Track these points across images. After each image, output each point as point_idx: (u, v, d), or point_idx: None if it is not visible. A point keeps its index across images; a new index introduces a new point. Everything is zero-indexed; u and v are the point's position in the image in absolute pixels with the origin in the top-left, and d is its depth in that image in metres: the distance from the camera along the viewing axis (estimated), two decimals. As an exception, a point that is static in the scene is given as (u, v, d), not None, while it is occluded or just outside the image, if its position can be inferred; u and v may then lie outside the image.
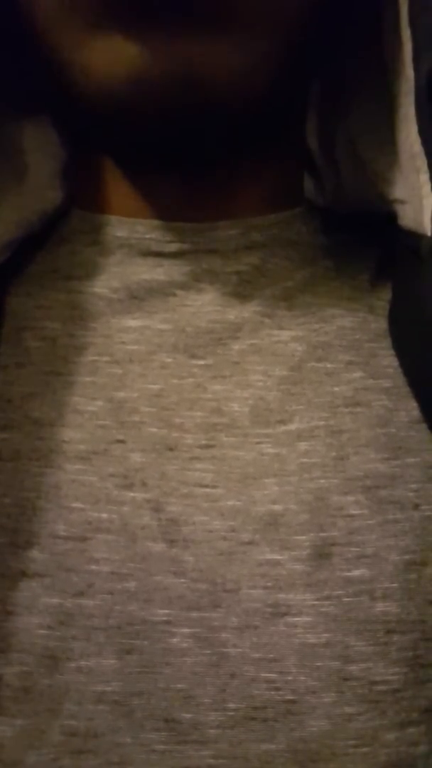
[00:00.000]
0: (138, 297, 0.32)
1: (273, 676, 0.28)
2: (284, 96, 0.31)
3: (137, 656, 0.28)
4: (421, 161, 0.29)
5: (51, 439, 0.30)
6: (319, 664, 0.28)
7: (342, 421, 0.30)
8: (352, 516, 0.29)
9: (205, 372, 0.31)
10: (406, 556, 0.29)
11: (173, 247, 0.32)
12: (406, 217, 0.31)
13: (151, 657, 0.28)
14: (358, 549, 0.29)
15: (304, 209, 0.34)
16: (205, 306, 0.32)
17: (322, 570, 0.28)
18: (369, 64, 0.32)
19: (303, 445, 0.30)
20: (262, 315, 0.32)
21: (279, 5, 0.28)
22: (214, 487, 0.29)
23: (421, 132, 0.29)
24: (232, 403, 0.31)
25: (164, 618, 0.28)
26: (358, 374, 0.31)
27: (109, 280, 0.33)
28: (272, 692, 0.28)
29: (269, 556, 0.29)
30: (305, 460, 0.30)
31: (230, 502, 0.29)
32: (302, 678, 0.28)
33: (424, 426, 0.30)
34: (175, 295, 0.32)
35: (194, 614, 0.28)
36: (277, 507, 0.29)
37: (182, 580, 0.28)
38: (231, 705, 0.28)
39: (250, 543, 0.29)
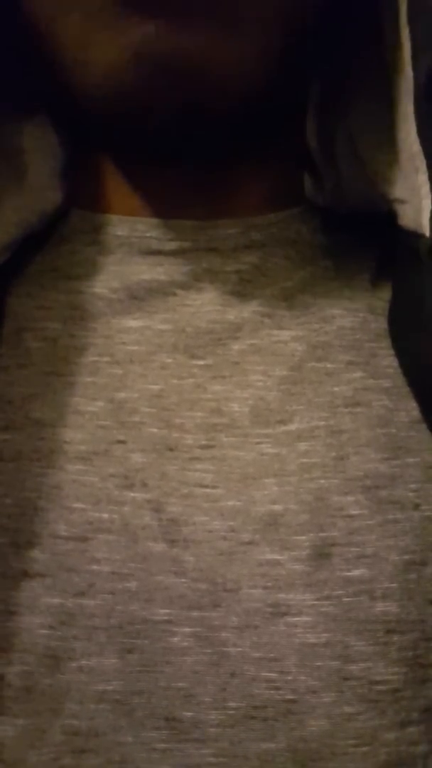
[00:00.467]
0: (138, 297, 0.32)
1: (273, 675, 0.28)
2: (284, 93, 0.31)
3: (138, 655, 0.28)
4: (420, 161, 0.29)
5: (52, 439, 0.30)
6: (319, 663, 0.28)
7: (342, 421, 0.30)
8: (351, 516, 0.29)
9: (205, 372, 0.31)
10: (406, 556, 0.29)
11: (173, 245, 0.32)
12: (406, 217, 0.31)
13: (152, 656, 0.28)
14: (358, 549, 0.29)
15: (304, 209, 0.34)
16: (205, 306, 0.32)
17: (322, 570, 0.28)
18: (369, 63, 0.32)
19: (303, 445, 0.30)
20: (262, 315, 0.32)
21: (286, 7, 0.28)
22: (214, 487, 0.30)
23: (420, 132, 0.29)
24: (232, 403, 0.31)
25: (165, 617, 0.28)
26: (358, 374, 0.31)
27: (109, 280, 0.33)
28: (272, 691, 0.28)
29: (269, 556, 0.29)
30: (305, 460, 0.30)
31: (230, 503, 0.29)
32: (302, 677, 0.28)
33: (424, 426, 0.30)
34: (175, 294, 0.32)
35: (195, 614, 0.28)
36: (277, 507, 0.29)
37: (183, 580, 0.29)
38: (231, 704, 0.28)
39: (250, 543, 0.29)
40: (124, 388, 0.31)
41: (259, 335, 0.32)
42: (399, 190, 0.31)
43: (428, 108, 0.29)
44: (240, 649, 0.28)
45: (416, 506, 0.29)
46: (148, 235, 0.33)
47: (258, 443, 0.30)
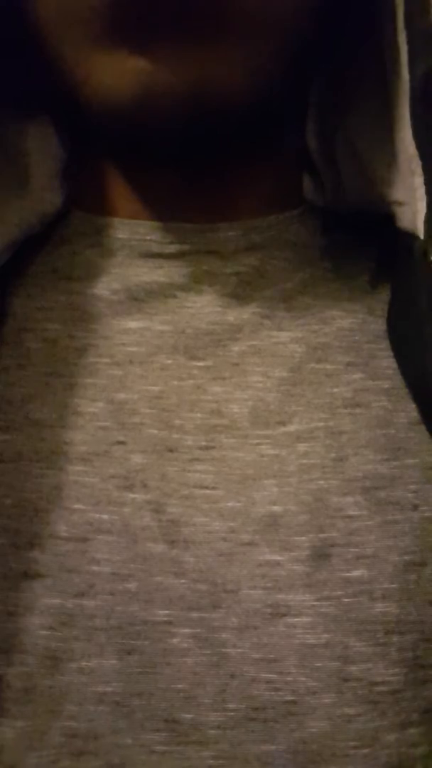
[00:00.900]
0: (138, 298, 0.32)
1: (273, 676, 0.28)
2: (284, 99, 0.31)
3: (138, 657, 0.28)
4: (416, 164, 0.30)
5: (52, 440, 0.30)
6: (318, 664, 0.28)
7: (341, 422, 0.30)
8: (351, 517, 0.29)
9: (204, 373, 0.31)
10: (406, 557, 0.29)
11: (173, 248, 0.33)
12: (405, 219, 0.31)
13: (152, 657, 0.28)
14: (357, 550, 0.29)
15: (304, 211, 0.34)
16: (205, 307, 0.32)
17: (322, 571, 0.28)
18: (368, 66, 0.32)
19: (302, 447, 0.30)
20: (262, 316, 0.32)
21: (278, 15, 0.28)
22: (214, 488, 0.30)
23: (416, 135, 0.30)
24: (231, 404, 0.31)
25: (165, 618, 0.28)
26: (357, 375, 0.31)
27: (110, 281, 0.33)
28: (272, 693, 0.28)
29: (269, 557, 0.29)
30: (305, 461, 0.30)
31: (230, 503, 0.29)
32: (302, 679, 0.28)
33: (423, 427, 0.30)
34: (175, 296, 0.32)
35: (194, 615, 0.28)
36: (276, 508, 0.29)
37: (182, 581, 0.28)
38: (231, 705, 0.28)
39: (250, 544, 0.29)
40: (124, 389, 0.31)
41: (259, 336, 0.32)
42: (397, 192, 0.31)
43: (424, 111, 0.29)
44: (240, 650, 0.28)
45: (415, 507, 0.29)
46: (148, 238, 0.33)
47: (258, 444, 0.30)
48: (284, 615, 0.28)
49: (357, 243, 0.34)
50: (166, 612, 0.28)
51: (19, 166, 0.33)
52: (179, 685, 0.28)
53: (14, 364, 0.32)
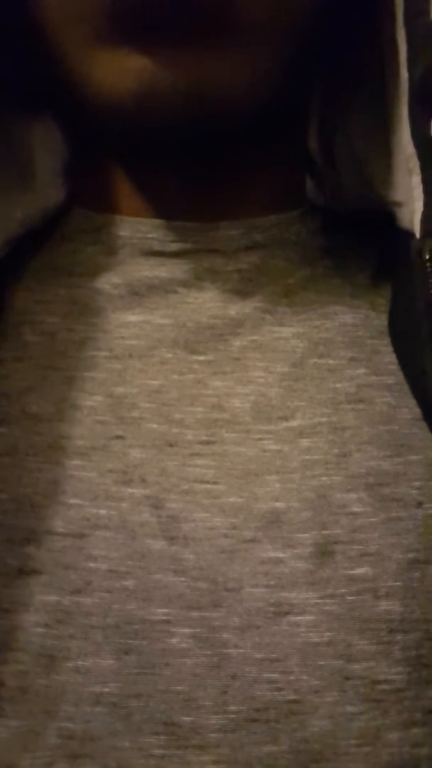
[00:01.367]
0: (139, 293, 0.32)
1: (275, 676, 0.27)
2: (287, 101, 0.31)
3: (136, 657, 0.27)
4: (414, 163, 0.30)
5: (49, 434, 0.30)
6: (321, 663, 0.27)
7: (344, 417, 0.30)
8: (354, 514, 0.29)
9: (205, 368, 0.31)
10: (410, 555, 0.28)
11: (175, 246, 0.32)
12: (404, 219, 0.31)
13: (150, 657, 0.27)
14: (361, 547, 0.28)
15: (305, 210, 0.34)
16: (206, 302, 0.32)
17: (325, 568, 0.28)
18: (367, 68, 0.33)
19: (305, 442, 0.30)
20: (263, 311, 0.32)
21: (281, 17, 0.28)
22: (215, 483, 0.29)
23: (414, 135, 0.30)
24: (233, 399, 0.30)
25: (163, 617, 0.28)
26: (360, 371, 0.31)
27: (111, 276, 0.32)
28: (274, 693, 0.27)
29: (271, 554, 0.28)
30: (307, 457, 0.29)
31: (231, 499, 0.29)
32: (305, 678, 0.27)
33: (426, 423, 0.30)
34: (176, 292, 0.32)
35: (194, 614, 0.28)
36: (279, 504, 0.29)
37: (182, 579, 0.28)
38: (232, 707, 0.27)
39: (252, 541, 0.28)
40: (123, 383, 0.31)
41: (261, 332, 0.32)
42: (395, 193, 0.31)
43: (423, 110, 0.30)
44: (241, 651, 0.27)
45: (419, 504, 0.29)
46: (150, 236, 0.33)
47: (259, 439, 0.30)
48: (287, 613, 0.28)
49: (358, 242, 0.34)
50: (165, 611, 0.28)
51: (23, 161, 0.33)
52: (179, 687, 0.27)
53: (11, 357, 0.31)
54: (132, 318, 0.32)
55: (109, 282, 0.32)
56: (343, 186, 0.33)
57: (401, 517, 0.29)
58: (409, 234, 0.30)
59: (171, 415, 0.30)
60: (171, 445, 0.30)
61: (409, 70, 0.30)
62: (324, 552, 0.28)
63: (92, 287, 0.32)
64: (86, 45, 0.28)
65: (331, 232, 0.34)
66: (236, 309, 0.32)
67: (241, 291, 0.32)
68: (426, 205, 0.30)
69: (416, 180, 0.30)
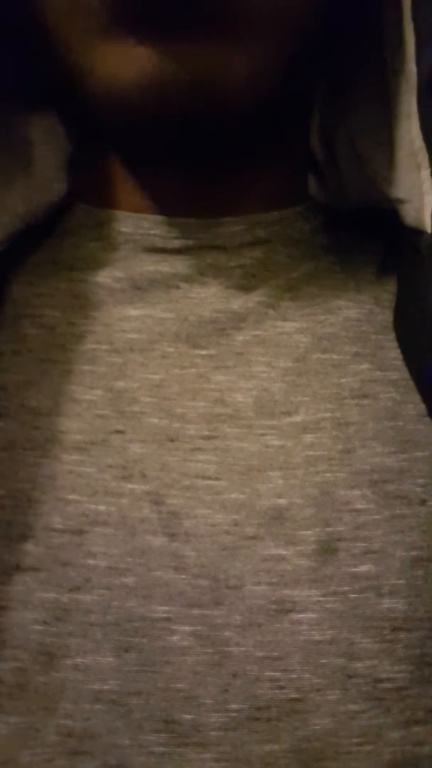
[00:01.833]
0: (140, 287, 0.32)
1: (277, 674, 0.27)
2: (289, 97, 0.31)
3: (136, 654, 0.27)
4: (423, 157, 0.29)
5: (47, 428, 0.29)
6: (323, 661, 0.27)
7: (349, 413, 0.30)
8: (358, 510, 0.28)
9: (207, 362, 0.30)
10: (413, 552, 0.28)
11: (178, 243, 0.32)
12: (408, 216, 0.31)
13: (150, 655, 0.27)
14: (364, 544, 0.28)
15: (308, 207, 0.33)
16: (209, 297, 0.32)
17: (328, 565, 0.28)
18: (369, 64, 0.32)
19: (309, 438, 0.29)
20: (266, 306, 0.32)
21: (283, 10, 0.28)
22: (216, 479, 0.29)
23: (423, 128, 0.29)
24: (235, 393, 0.30)
25: (164, 615, 0.27)
26: (365, 366, 0.31)
27: (113, 271, 0.32)
28: (276, 691, 0.27)
29: (274, 551, 0.28)
30: (311, 452, 0.29)
31: (233, 495, 0.28)
32: (307, 676, 0.27)
33: (431, 420, 0.30)
34: (178, 287, 0.32)
35: (195, 611, 0.27)
36: (282, 501, 0.28)
37: (183, 576, 0.27)
38: (233, 706, 0.27)
39: (254, 537, 0.28)
40: (124, 377, 0.30)
41: (264, 326, 0.31)
42: (398, 190, 0.31)
43: (431, 104, 0.29)
44: (243, 649, 0.27)
45: (423, 501, 0.29)
46: (152, 232, 0.32)
47: (262, 435, 0.29)
48: (289, 611, 0.27)
49: (361, 239, 0.34)
50: (166, 608, 0.27)
51: (25, 156, 0.32)
52: (179, 685, 0.27)
53: (10, 350, 0.30)
54: (133, 312, 0.31)
55: (110, 276, 0.32)
56: (345, 184, 0.33)
57: (405, 515, 0.29)
58: (414, 230, 0.30)
59: (172, 409, 0.30)
60: (172, 440, 0.29)
61: (418, 64, 0.29)
62: (327, 549, 0.28)
63: (93, 281, 0.32)
64: (90, 37, 0.28)
65: (334, 228, 0.34)
66: (239, 303, 0.31)
67: (244, 286, 0.32)
68: None
69: (425, 174, 0.29)
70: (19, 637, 0.27)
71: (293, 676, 0.27)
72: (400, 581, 0.28)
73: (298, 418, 0.30)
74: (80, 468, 0.29)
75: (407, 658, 0.27)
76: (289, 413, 0.30)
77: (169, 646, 0.27)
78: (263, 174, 0.33)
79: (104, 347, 0.31)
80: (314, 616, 0.27)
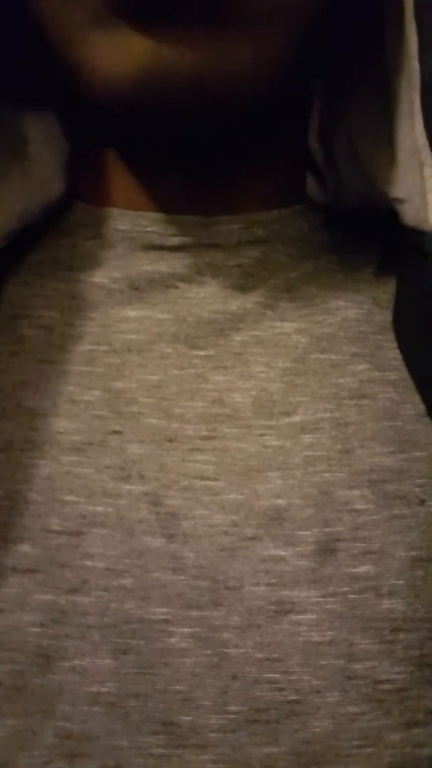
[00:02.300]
0: (139, 288, 0.31)
1: (276, 676, 0.27)
2: (289, 94, 0.30)
3: (134, 656, 0.27)
4: (426, 155, 0.29)
5: (44, 429, 0.29)
6: (323, 662, 0.27)
7: (347, 413, 0.30)
8: (357, 511, 0.28)
9: (206, 362, 0.30)
10: (413, 553, 0.28)
11: (175, 240, 0.32)
12: (408, 216, 0.30)
13: (149, 657, 0.27)
14: (363, 545, 0.28)
15: (306, 206, 0.33)
16: (207, 298, 0.31)
17: (327, 566, 0.28)
18: (369, 62, 0.32)
19: (307, 438, 0.29)
20: (265, 306, 0.31)
21: (287, 6, 0.28)
22: (215, 479, 0.28)
23: (427, 126, 0.29)
24: (234, 394, 0.30)
25: (162, 617, 0.27)
26: (363, 366, 0.31)
27: (110, 271, 0.32)
28: (275, 693, 0.27)
29: (273, 552, 0.28)
30: (310, 453, 0.29)
31: (232, 496, 0.28)
32: (306, 677, 0.27)
33: (430, 420, 0.30)
34: (176, 287, 0.31)
35: (194, 613, 0.27)
36: (280, 501, 0.28)
37: (181, 577, 0.27)
38: (232, 707, 0.26)
39: (253, 538, 0.28)
40: (122, 378, 0.30)
41: (262, 327, 0.31)
42: (398, 190, 0.31)
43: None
44: (242, 650, 0.27)
45: (422, 502, 0.29)
46: (150, 230, 0.32)
47: (261, 435, 0.29)
48: (288, 612, 0.27)
49: (359, 239, 0.33)
50: (164, 610, 0.27)
51: (23, 155, 0.32)
52: (177, 687, 0.27)
53: (7, 351, 0.30)
54: (131, 313, 0.31)
55: (108, 276, 0.32)
56: (343, 184, 0.33)
57: (404, 515, 0.28)
58: (414, 230, 0.30)
59: (170, 410, 0.29)
60: (170, 441, 0.29)
61: (421, 61, 0.29)
62: (326, 550, 0.28)
63: (91, 282, 0.32)
64: (86, 30, 0.27)
65: (333, 228, 0.33)
66: (237, 304, 0.31)
67: (242, 286, 0.32)
68: None
69: (428, 172, 0.29)
70: (16, 639, 0.27)
71: (293, 677, 0.27)
72: (400, 582, 0.28)
73: (296, 419, 0.30)
74: (78, 469, 0.29)
75: (407, 659, 0.27)
76: (287, 413, 0.30)
77: (168, 647, 0.27)
78: (262, 172, 0.33)
79: (102, 348, 0.30)
80: (313, 617, 0.27)
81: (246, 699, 0.26)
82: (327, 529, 0.28)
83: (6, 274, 0.32)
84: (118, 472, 0.29)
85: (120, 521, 0.28)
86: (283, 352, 0.31)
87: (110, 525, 0.28)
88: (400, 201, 0.30)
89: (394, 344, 0.31)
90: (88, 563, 0.27)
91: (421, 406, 0.30)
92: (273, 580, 0.27)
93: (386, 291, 0.32)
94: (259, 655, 0.27)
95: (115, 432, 0.29)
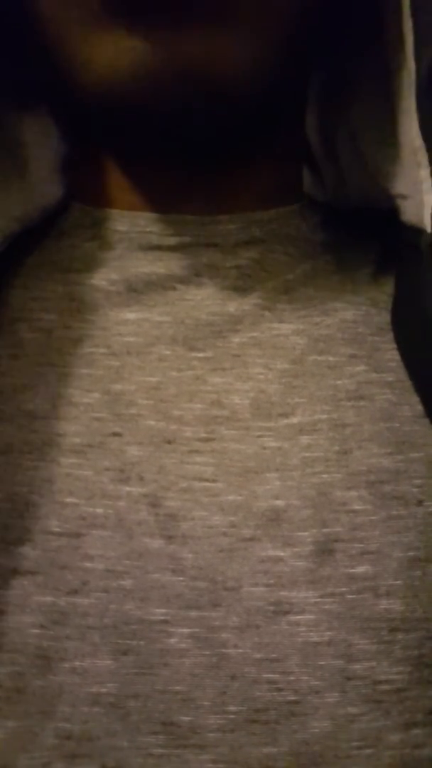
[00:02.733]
0: (137, 290, 0.32)
1: (275, 676, 0.27)
2: (285, 89, 0.31)
3: (134, 657, 0.27)
4: (422, 156, 0.29)
5: (44, 431, 0.29)
6: (321, 663, 0.27)
7: (345, 414, 0.30)
8: (355, 511, 0.28)
9: (204, 364, 0.30)
10: (410, 553, 0.28)
11: (173, 240, 0.32)
12: (408, 212, 0.30)
13: (148, 658, 0.27)
14: (361, 545, 0.28)
15: (304, 205, 0.33)
16: (205, 299, 0.32)
17: (325, 566, 0.28)
18: (371, 58, 0.32)
19: (305, 439, 0.29)
20: (263, 308, 0.32)
21: (283, 2, 0.28)
22: (213, 481, 0.29)
23: (422, 127, 0.29)
24: (232, 395, 0.30)
25: (162, 617, 0.27)
26: (361, 368, 0.31)
27: (108, 272, 0.32)
28: (274, 693, 0.27)
29: (271, 553, 0.28)
30: (307, 454, 0.29)
31: (231, 497, 0.28)
32: (305, 678, 0.27)
33: (428, 421, 0.30)
34: (174, 289, 0.32)
35: (193, 613, 0.27)
36: (279, 502, 0.28)
37: (181, 578, 0.27)
38: (231, 708, 0.27)
39: (252, 539, 0.28)
40: (121, 380, 0.30)
41: (260, 328, 0.31)
42: (400, 186, 0.31)
43: (430, 102, 0.29)
44: (240, 651, 0.27)
45: (420, 502, 0.29)
46: (148, 230, 0.32)
47: (259, 436, 0.29)
48: (287, 612, 0.27)
49: (358, 238, 0.33)
50: (163, 611, 0.27)
51: (19, 158, 0.33)
52: (177, 687, 0.27)
53: (7, 354, 0.31)
54: (130, 315, 0.31)
55: (106, 278, 0.32)
56: (345, 181, 0.33)
57: (402, 515, 0.28)
58: (414, 228, 0.30)
59: (169, 412, 0.30)
60: (169, 443, 0.29)
61: (416, 61, 0.29)
62: (324, 550, 0.28)
63: (89, 284, 0.32)
64: (83, 29, 0.28)
65: (332, 227, 0.34)
66: (235, 306, 0.32)
67: (240, 287, 0.32)
68: None
69: (425, 173, 0.29)
70: (16, 640, 0.27)
71: (291, 678, 0.27)
72: (398, 582, 0.28)
73: (294, 420, 0.30)
74: (77, 471, 0.29)
75: (406, 659, 0.27)
76: (285, 415, 0.30)
77: (167, 648, 0.27)
78: (259, 171, 0.33)
79: (101, 351, 0.31)
80: (312, 617, 0.27)
81: (245, 699, 0.27)
82: (325, 530, 0.28)
83: (5, 277, 0.32)
84: (118, 474, 0.29)
85: (119, 523, 0.28)
86: (281, 353, 0.31)
87: (110, 526, 0.28)
88: (403, 197, 0.31)
89: (392, 345, 0.31)
90: (88, 565, 0.28)
91: (419, 407, 0.30)
92: (271, 581, 0.28)
93: (384, 292, 0.33)
94: (258, 656, 0.27)
95: (115, 434, 0.29)
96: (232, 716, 0.27)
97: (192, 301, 0.32)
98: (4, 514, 0.28)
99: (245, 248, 0.32)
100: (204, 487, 0.29)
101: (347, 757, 0.26)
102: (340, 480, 0.29)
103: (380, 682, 0.27)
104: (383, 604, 0.27)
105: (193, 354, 0.31)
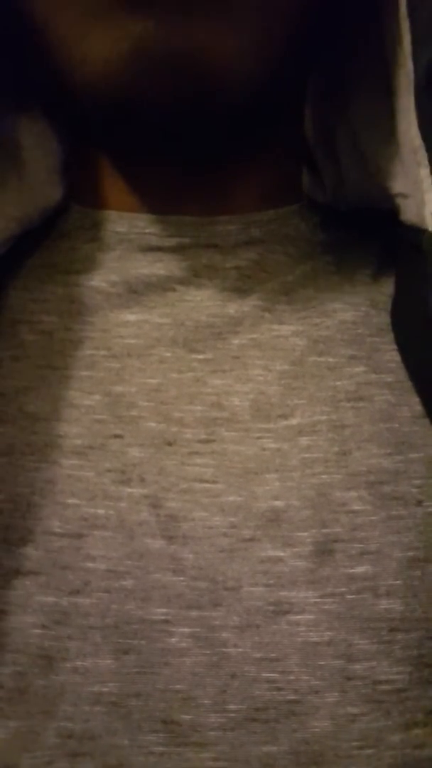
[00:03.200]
0: (137, 291, 0.32)
1: (275, 676, 0.27)
2: (283, 85, 0.30)
3: (135, 656, 0.27)
4: (422, 155, 0.29)
5: (46, 433, 0.29)
6: (321, 663, 0.27)
7: (344, 415, 0.30)
8: (355, 512, 0.28)
9: (204, 366, 0.31)
10: (410, 553, 0.28)
11: (173, 241, 0.32)
12: (408, 212, 0.30)
13: (149, 657, 0.27)
14: (361, 545, 0.28)
15: (303, 205, 0.33)
16: (205, 301, 0.32)
17: (325, 567, 0.28)
18: (370, 57, 0.32)
19: (305, 440, 0.30)
20: (262, 309, 0.32)
21: None
22: (214, 482, 0.29)
23: (421, 126, 0.29)
24: (232, 397, 0.30)
25: (162, 617, 0.27)
26: (360, 369, 0.31)
27: (108, 274, 0.32)
28: (274, 692, 0.27)
29: (271, 553, 0.28)
30: (307, 455, 0.29)
31: (231, 498, 0.29)
32: (305, 677, 0.27)
33: (427, 421, 0.30)
34: (174, 290, 0.32)
35: (194, 613, 0.27)
36: (278, 503, 0.29)
37: (181, 578, 0.28)
38: (232, 706, 0.27)
39: (252, 540, 0.28)
40: (122, 382, 0.30)
41: (260, 330, 0.31)
42: (401, 185, 0.31)
43: (429, 101, 0.29)
44: (241, 650, 0.27)
45: (419, 502, 0.29)
46: (147, 231, 0.32)
47: (259, 438, 0.30)
48: (287, 612, 0.27)
49: (358, 238, 0.33)
50: (164, 610, 0.27)
51: (17, 160, 0.33)
52: (178, 686, 0.27)
53: (8, 356, 0.31)
54: (130, 317, 0.31)
55: (106, 280, 0.32)
56: (345, 181, 0.33)
57: (401, 516, 0.29)
58: (415, 227, 0.30)
59: (170, 413, 0.30)
60: (170, 444, 0.29)
61: (414, 60, 0.29)
62: (324, 551, 0.28)
63: (90, 285, 0.32)
64: (81, 20, 0.28)
65: (331, 227, 0.34)
66: (235, 307, 0.32)
67: (240, 288, 0.32)
68: None
69: (424, 172, 0.29)
70: (18, 641, 0.27)
71: (291, 677, 0.27)
72: (397, 582, 0.28)
73: (294, 421, 0.30)
74: (79, 472, 0.29)
75: (405, 659, 0.27)
76: (285, 416, 0.30)
77: (168, 647, 0.27)
78: (257, 171, 0.33)
79: (102, 352, 0.31)
80: (312, 617, 0.27)
81: (245, 698, 0.27)
82: (325, 530, 0.28)
83: (6, 279, 0.32)
84: (119, 476, 0.29)
85: (121, 523, 0.28)
86: (280, 355, 0.31)
87: (111, 527, 0.28)
88: (403, 196, 0.30)
89: (391, 346, 0.31)
90: (90, 565, 0.28)
91: (418, 408, 0.30)
92: (271, 581, 0.28)
93: (383, 292, 0.33)
94: (258, 655, 0.27)
95: (116, 436, 0.29)
96: (232, 715, 0.27)
97: (192, 303, 0.32)
98: (6, 515, 0.28)
99: (245, 249, 0.32)
100: (204, 488, 0.29)
101: (348, 756, 0.27)
102: (340, 480, 0.29)
103: (380, 682, 0.27)
104: (383, 604, 0.28)
105: (193, 356, 0.31)
